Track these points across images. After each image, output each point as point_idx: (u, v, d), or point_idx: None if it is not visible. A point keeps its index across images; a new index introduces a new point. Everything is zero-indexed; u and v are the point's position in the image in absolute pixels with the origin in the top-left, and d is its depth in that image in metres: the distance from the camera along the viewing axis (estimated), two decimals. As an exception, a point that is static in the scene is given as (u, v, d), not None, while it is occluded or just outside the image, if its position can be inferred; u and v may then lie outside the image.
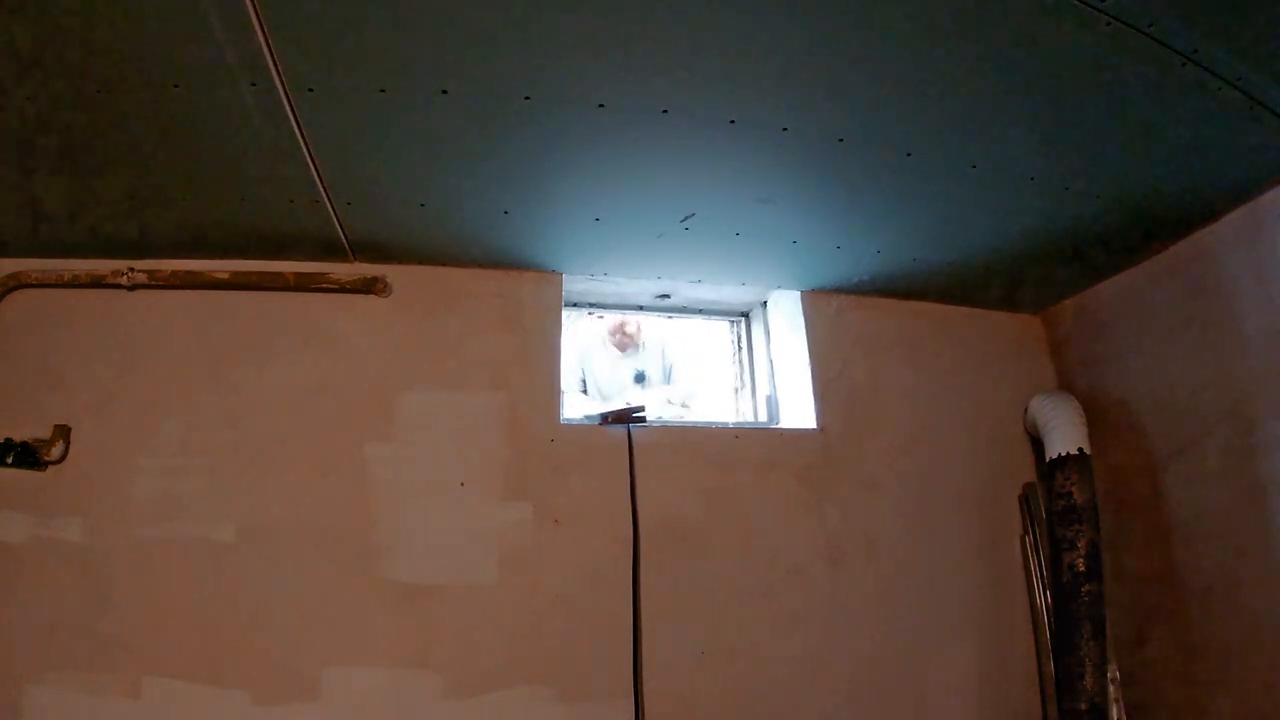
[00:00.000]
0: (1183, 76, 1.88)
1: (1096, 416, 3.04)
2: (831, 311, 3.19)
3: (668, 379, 4.00)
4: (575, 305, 3.33)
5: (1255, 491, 2.46)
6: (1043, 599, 2.99)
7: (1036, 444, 3.19)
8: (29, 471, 2.43)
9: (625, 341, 3.93)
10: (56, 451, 2.45)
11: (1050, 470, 2.97)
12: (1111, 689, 2.80)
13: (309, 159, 2.12)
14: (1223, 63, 1.84)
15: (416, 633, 2.50)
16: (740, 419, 3.42)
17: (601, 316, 3.53)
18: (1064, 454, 2.92)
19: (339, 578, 2.50)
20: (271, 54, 1.71)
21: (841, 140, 2.14)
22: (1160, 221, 2.62)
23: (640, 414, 2.88)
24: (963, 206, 2.50)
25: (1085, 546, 2.80)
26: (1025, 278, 3.08)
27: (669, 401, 3.83)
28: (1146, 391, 2.90)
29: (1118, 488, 2.97)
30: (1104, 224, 2.61)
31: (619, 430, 2.84)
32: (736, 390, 3.52)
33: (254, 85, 1.80)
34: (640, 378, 3.91)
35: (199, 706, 2.34)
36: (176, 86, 1.81)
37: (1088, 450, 2.92)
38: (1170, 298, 2.80)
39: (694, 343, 4.17)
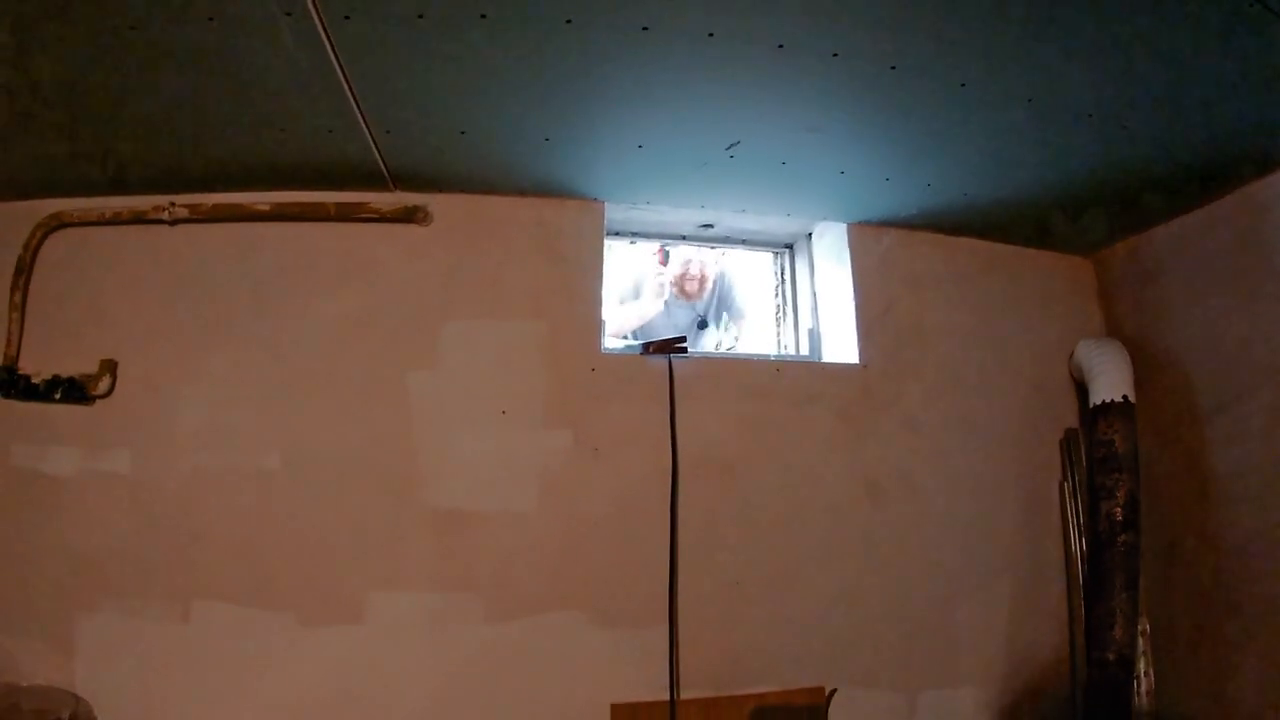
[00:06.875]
0: (1249, 16, 1.75)
1: (1142, 365, 2.95)
2: (879, 246, 3.10)
3: (728, 312, 3.75)
4: (617, 234, 3.29)
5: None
6: (1078, 546, 2.97)
7: (1080, 389, 3.12)
8: (77, 406, 2.51)
9: (693, 290, 3.68)
10: (103, 386, 2.52)
11: (1093, 417, 2.92)
12: (1140, 642, 2.80)
13: (347, 88, 2.09)
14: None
15: (458, 558, 2.58)
16: (782, 352, 3.39)
17: (634, 243, 3.42)
18: (1108, 401, 2.86)
19: (382, 504, 2.57)
20: (307, -19, 1.67)
21: (894, 68, 2.04)
22: (1216, 169, 2.50)
23: (682, 344, 2.88)
24: (1017, 141, 2.39)
25: (1124, 496, 2.77)
26: (1077, 218, 2.95)
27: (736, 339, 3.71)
28: (1194, 342, 2.80)
29: (1159, 439, 2.90)
30: (1159, 167, 2.50)
31: (659, 360, 2.84)
32: (778, 322, 3.49)
33: (289, 15, 1.77)
34: (703, 324, 3.71)
35: (247, 628, 2.45)
36: (211, 20, 1.79)
37: (1132, 399, 2.85)
38: (1222, 248, 2.68)
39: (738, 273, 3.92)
